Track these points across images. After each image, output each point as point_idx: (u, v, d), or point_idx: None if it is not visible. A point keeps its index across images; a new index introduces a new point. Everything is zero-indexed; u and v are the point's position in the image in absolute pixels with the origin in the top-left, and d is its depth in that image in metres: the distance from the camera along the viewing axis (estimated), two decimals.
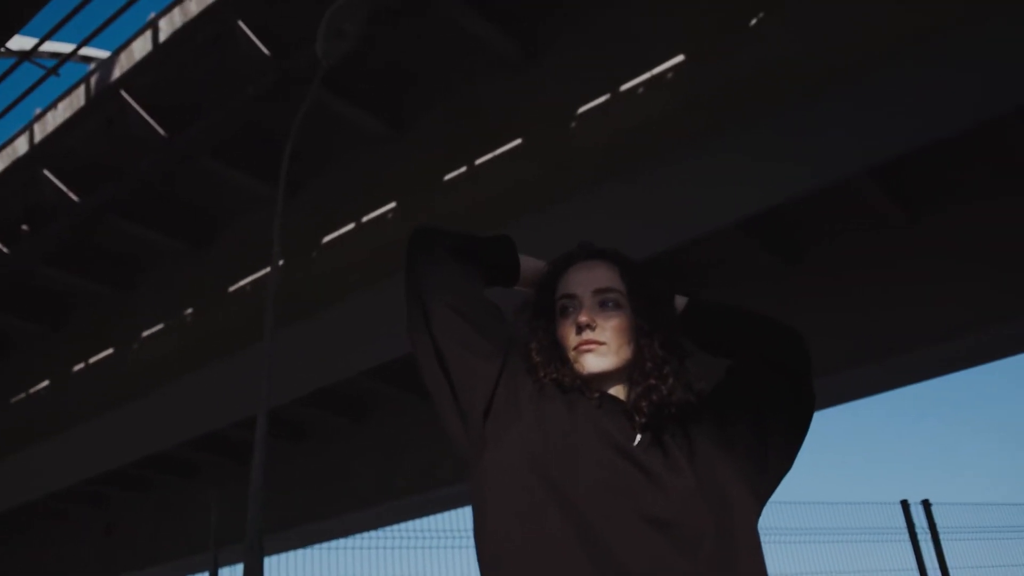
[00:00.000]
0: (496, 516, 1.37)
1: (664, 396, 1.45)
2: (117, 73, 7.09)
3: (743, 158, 6.14)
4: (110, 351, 10.40)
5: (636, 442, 1.42)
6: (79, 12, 6.36)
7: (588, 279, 1.57)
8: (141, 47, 6.93)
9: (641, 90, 6.42)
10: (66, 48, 7.73)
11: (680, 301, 1.65)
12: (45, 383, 11.39)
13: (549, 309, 1.59)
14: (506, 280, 1.66)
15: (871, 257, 7.78)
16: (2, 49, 7.70)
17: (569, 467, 1.35)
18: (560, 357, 1.53)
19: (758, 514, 1.44)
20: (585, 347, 1.50)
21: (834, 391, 8.46)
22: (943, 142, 6.11)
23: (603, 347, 1.50)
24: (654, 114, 6.24)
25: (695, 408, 1.50)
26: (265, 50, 6.66)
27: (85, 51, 7.72)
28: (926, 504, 6.90)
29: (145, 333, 10.09)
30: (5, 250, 9.04)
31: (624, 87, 6.46)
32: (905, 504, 6.86)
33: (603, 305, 1.54)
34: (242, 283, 8.74)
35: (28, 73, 7.85)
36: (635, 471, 1.37)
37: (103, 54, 7.56)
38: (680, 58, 6.21)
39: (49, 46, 7.72)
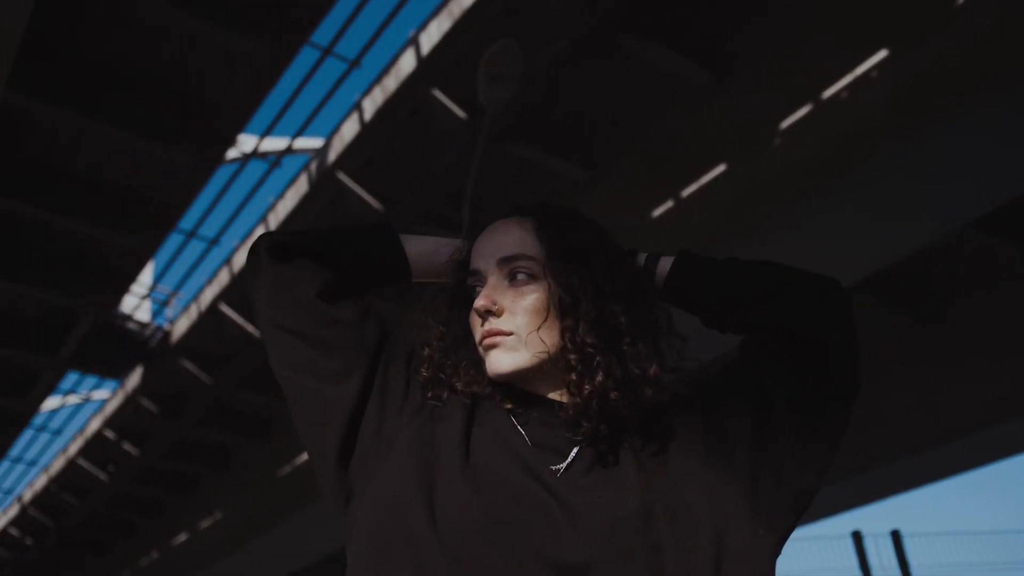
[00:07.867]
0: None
1: (606, 401, 1.07)
2: (332, 157, 7.58)
3: (969, 152, 5.56)
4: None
5: (570, 458, 1.08)
6: (291, 107, 6.88)
7: (492, 247, 1.18)
8: (350, 129, 7.38)
9: (845, 94, 6.01)
10: (284, 142, 8.41)
11: (666, 262, 1.23)
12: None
13: (463, 295, 1.22)
14: (397, 275, 1.29)
15: None
16: (239, 155, 8.51)
17: (451, 504, 1.03)
18: (471, 357, 1.17)
19: (771, 547, 1.04)
20: (488, 341, 1.12)
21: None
22: None
23: (511, 338, 1.11)
24: (860, 117, 5.82)
25: (675, 404, 1.13)
26: (461, 113, 6.87)
27: (302, 143, 8.35)
28: None
29: None
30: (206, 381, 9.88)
31: (826, 94, 6.08)
32: None
33: (512, 279, 1.15)
34: None
35: (259, 169, 8.66)
36: (547, 502, 1.02)
37: (318, 142, 8.12)
38: (883, 52, 5.76)
39: (272, 143, 8.43)
